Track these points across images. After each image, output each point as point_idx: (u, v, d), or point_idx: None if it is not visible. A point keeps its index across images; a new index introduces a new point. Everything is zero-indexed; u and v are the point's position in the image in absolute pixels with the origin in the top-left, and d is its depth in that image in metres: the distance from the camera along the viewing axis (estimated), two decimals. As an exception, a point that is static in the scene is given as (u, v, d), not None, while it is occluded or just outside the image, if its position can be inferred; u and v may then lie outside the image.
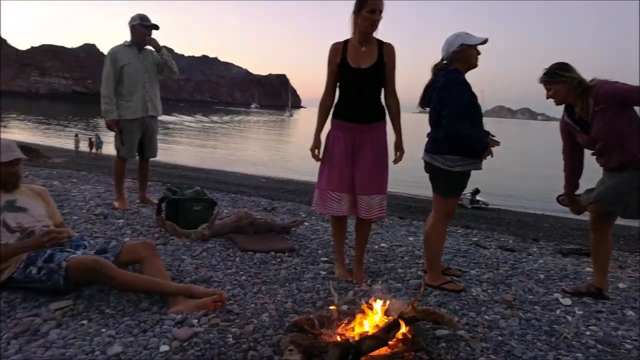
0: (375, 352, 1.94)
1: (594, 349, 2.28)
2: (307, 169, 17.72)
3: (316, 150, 3.08)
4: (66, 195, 4.84)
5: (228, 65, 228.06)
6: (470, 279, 3.22)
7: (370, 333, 2.00)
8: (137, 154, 4.65)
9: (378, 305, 2.18)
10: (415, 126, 13.82)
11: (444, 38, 2.97)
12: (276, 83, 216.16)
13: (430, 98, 2.96)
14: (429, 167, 3.00)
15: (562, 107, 3.04)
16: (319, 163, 3.11)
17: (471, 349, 2.14)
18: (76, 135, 23.03)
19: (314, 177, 3.25)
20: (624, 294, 3.13)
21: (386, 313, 2.16)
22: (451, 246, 4.18)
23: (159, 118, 4.75)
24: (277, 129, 62.15)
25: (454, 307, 2.67)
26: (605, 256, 3.06)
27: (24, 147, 2.94)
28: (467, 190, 11.52)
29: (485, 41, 2.90)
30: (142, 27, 4.42)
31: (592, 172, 3.16)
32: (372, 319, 2.12)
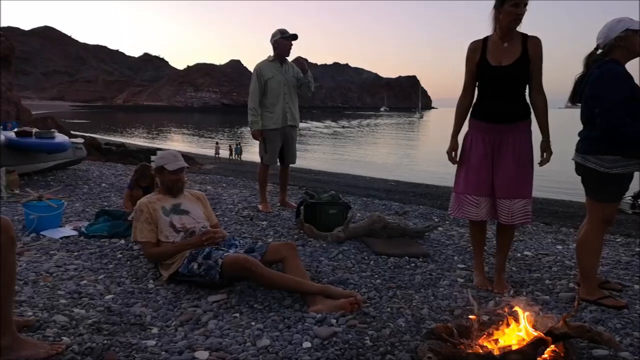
0: (521, 368, 1.82)
1: None
2: (439, 172, 17.19)
3: (453, 153, 2.99)
4: (218, 198, 5.38)
5: (358, 71, 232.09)
6: (635, 294, 2.84)
7: (514, 347, 1.88)
8: (278, 160, 4.99)
9: (524, 317, 2.03)
10: (564, 124, 12.58)
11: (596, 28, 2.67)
12: (406, 85, 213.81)
13: (582, 93, 2.68)
14: (580, 169, 2.72)
15: None
16: (454, 166, 3.02)
17: (638, 375, 1.89)
18: (217, 143, 25.52)
19: (445, 181, 3.16)
20: None
21: (533, 327, 2.01)
22: (609, 257, 3.72)
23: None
24: (406, 131, 61.34)
25: (615, 326, 2.38)
26: None
27: (184, 156, 3.35)
28: (629, 193, 10.12)
29: None
30: (283, 39, 4.75)
31: None
32: (516, 332, 1.99)
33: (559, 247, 4.11)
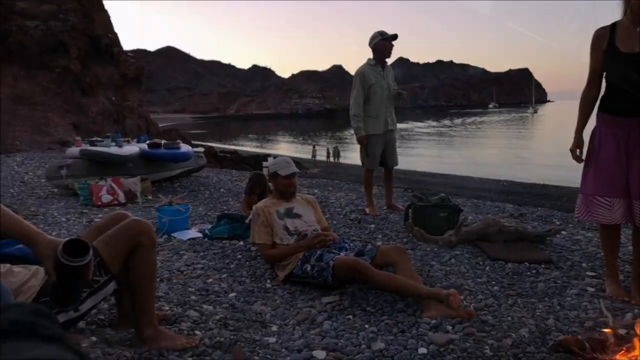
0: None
1: None
2: (558, 172, 15.83)
3: (578, 151, 2.75)
4: (326, 202, 5.51)
5: (464, 67, 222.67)
6: None
7: (661, 367, 1.68)
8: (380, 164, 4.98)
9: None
10: None
11: None
12: (517, 79, 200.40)
13: None
14: None
15: None
16: (579, 165, 2.77)
17: None
18: (314, 147, 26.25)
19: (566, 181, 2.91)
20: None
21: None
22: None
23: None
24: (518, 127, 57.51)
25: None
26: None
27: (294, 162, 3.50)
28: None
29: None
30: (383, 41, 4.72)
31: None
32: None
33: None
